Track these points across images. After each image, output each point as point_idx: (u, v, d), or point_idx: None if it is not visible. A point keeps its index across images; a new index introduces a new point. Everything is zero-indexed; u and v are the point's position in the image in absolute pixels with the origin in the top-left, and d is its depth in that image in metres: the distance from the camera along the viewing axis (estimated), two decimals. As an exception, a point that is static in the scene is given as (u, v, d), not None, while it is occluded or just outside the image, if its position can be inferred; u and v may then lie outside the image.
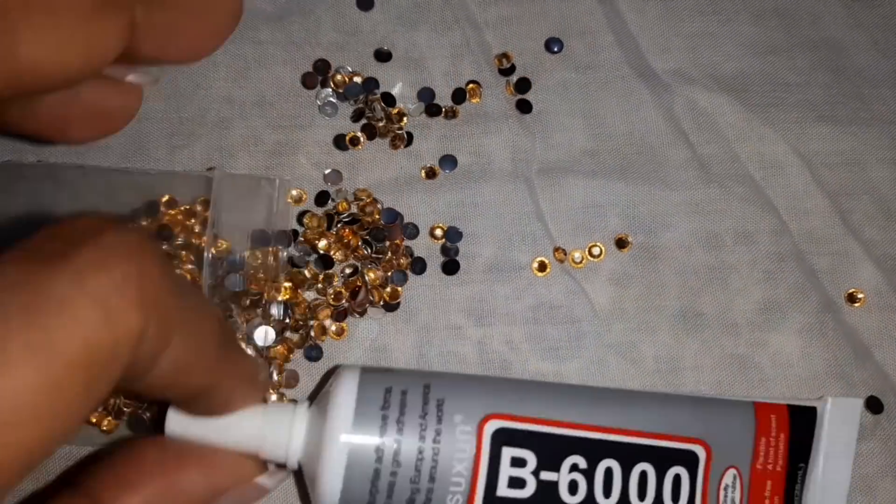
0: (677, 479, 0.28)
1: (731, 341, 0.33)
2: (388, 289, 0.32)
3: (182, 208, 0.32)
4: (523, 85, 0.35)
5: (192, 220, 0.32)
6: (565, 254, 0.33)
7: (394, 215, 0.33)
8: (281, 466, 0.28)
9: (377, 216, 0.33)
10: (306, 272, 0.32)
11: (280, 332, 0.31)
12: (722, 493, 0.29)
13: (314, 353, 0.32)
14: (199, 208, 0.32)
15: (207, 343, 0.22)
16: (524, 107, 0.35)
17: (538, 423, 0.27)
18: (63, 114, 0.26)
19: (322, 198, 0.33)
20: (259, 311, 0.31)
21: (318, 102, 0.34)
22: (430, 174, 0.34)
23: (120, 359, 0.18)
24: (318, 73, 0.34)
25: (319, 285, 0.32)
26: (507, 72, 0.35)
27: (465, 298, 0.33)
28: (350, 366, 0.28)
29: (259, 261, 0.31)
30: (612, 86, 0.35)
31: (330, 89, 0.34)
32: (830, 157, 0.35)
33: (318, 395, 0.28)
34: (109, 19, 0.23)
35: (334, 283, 0.32)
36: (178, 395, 0.24)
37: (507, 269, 0.33)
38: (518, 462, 0.27)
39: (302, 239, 0.33)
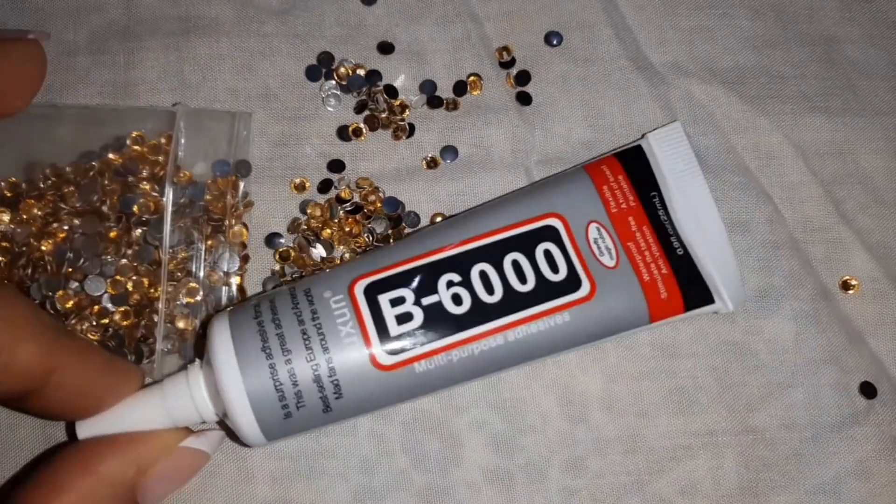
0: (548, 253, 0.30)
1: (727, 328, 0.34)
2: None
3: (148, 144, 0.33)
4: (523, 77, 0.36)
5: (158, 155, 0.33)
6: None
7: (396, 204, 0.34)
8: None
9: (379, 205, 0.34)
10: (305, 258, 0.33)
11: (244, 260, 0.33)
12: (593, 246, 0.30)
13: None
14: (163, 141, 0.33)
15: (22, 320, 0.24)
16: (524, 99, 0.35)
17: (401, 265, 0.29)
18: None
19: (325, 186, 0.34)
20: (220, 237, 0.32)
21: (322, 94, 0.35)
22: (432, 164, 0.35)
23: None
24: (322, 66, 0.35)
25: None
26: (507, 64, 0.36)
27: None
28: (220, 311, 0.29)
29: (220, 189, 0.32)
30: (611, 78, 0.36)
31: (334, 81, 0.35)
32: (824, 148, 0.36)
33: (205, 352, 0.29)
34: None
35: None
36: (18, 381, 0.25)
37: (508, 258, 0.34)
38: (397, 301, 0.28)
39: (305, 227, 0.33)
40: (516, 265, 0.29)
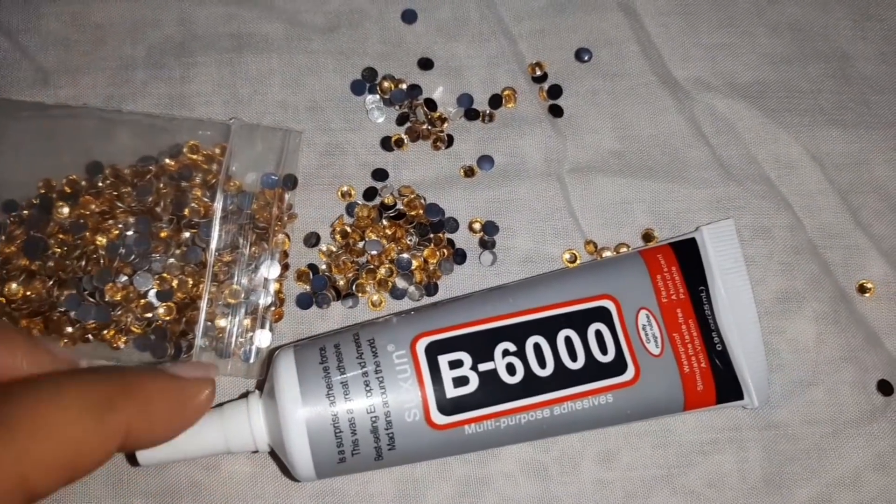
0: (599, 333, 0.31)
1: (750, 328, 0.35)
2: (431, 269, 0.35)
3: (203, 153, 0.35)
4: (555, 91, 0.38)
5: (211, 164, 0.35)
6: (595, 247, 0.36)
7: (437, 211, 0.36)
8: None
9: (421, 211, 0.36)
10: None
11: (284, 268, 0.35)
12: (642, 332, 0.32)
13: (352, 303, 0.35)
14: (217, 152, 0.35)
15: (94, 396, 0.23)
16: (556, 111, 0.38)
17: (462, 327, 0.30)
18: None
19: (370, 194, 0.36)
20: (264, 244, 0.34)
21: (366, 107, 0.37)
22: (469, 173, 0.37)
23: None
24: (366, 81, 0.37)
25: (374, 265, 0.35)
26: (540, 79, 0.38)
27: (502, 287, 0.35)
28: (284, 346, 0.31)
29: (267, 200, 0.34)
30: (638, 92, 0.38)
31: (377, 95, 0.37)
32: (840, 158, 0.38)
33: (266, 382, 0.30)
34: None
35: (385, 264, 0.35)
36: (104, 454, 0.23)
37: (541, 261, 0.36)
38: (455, 364, 0.30)
39: (349, 228, 0.35)
40: (569, 342, 0.31)
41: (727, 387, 0.32)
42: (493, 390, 0.30)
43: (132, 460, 0.29)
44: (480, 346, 0.30)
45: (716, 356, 0.32)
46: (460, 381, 0.29)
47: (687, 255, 0.34)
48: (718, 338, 0.33)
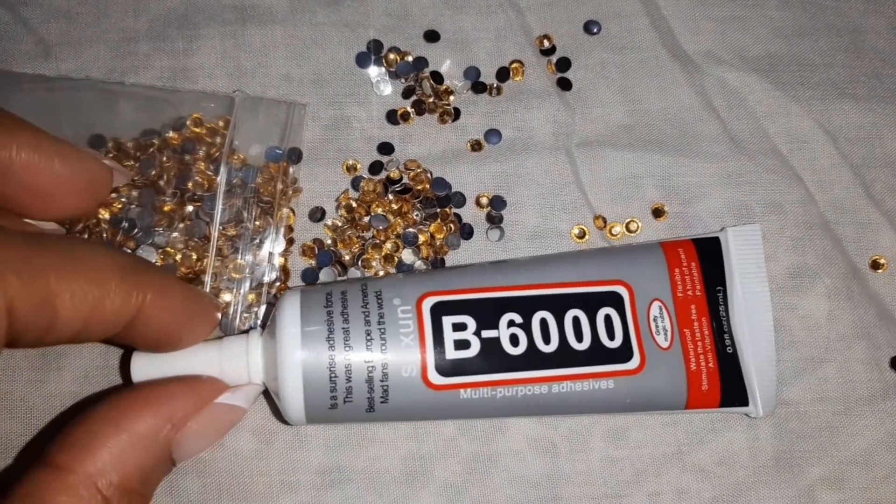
0: (608, 318, 0.31)
1: (762, 304, 0.35)
2: (437, 244, 0.35)
3: (206, 126, 0.34)
4: (564, 64, 0.37)
5: (215, 137, 0.34)
6: (605, 222, 0.35)
7: (444, 185, 0.35)
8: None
9: (428, 185, 0.35)
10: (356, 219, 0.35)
11: (289, 242, 0.34)
12: (652, 323, 0.31)
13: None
14: (221, 125, 0.35)
15: (106, 263, 0.25)
16: (565, 84, 0.37)
17: (470, 292, 0.30)
18: (39, 188, 0.28)
19: (375, 168, 0.35)
20: (269, 218, 0.33)
21: (372, 80, 0.37)
22: (476, 147, 0.36)
23: None
24: (372, 53, 0.37)
25: (380, 240, 0.34)
26: (548, 52, 0.37)
27: (510, 262, 0.35)
28: (292, 288, 0.30)
29: (271, 174, 0.34)
30: (647, 65, 0.37)
31: (383, 68, 0.37)
32: (852, 132, 0.37)
33: (269, 321, 0.30)
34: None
35: (391, 238, 0.34)
36: (109, 323, 0.25)
37: (549, 236, 0.35)
38: (459, 327, 0.29)
39: (355, 203, 0.35)
40: (576, 322, 0.30)
41: (733, 391, 0.32)
42: (493, 358, 0.29)
43: (125, 375, 0.29)
44: (486, 313, 0.30)
45: (725, 359, 0.32)
46: (462, 345, 0.29)
47: (708, 253, 0.33)
48: (730, 340, 0.32)
